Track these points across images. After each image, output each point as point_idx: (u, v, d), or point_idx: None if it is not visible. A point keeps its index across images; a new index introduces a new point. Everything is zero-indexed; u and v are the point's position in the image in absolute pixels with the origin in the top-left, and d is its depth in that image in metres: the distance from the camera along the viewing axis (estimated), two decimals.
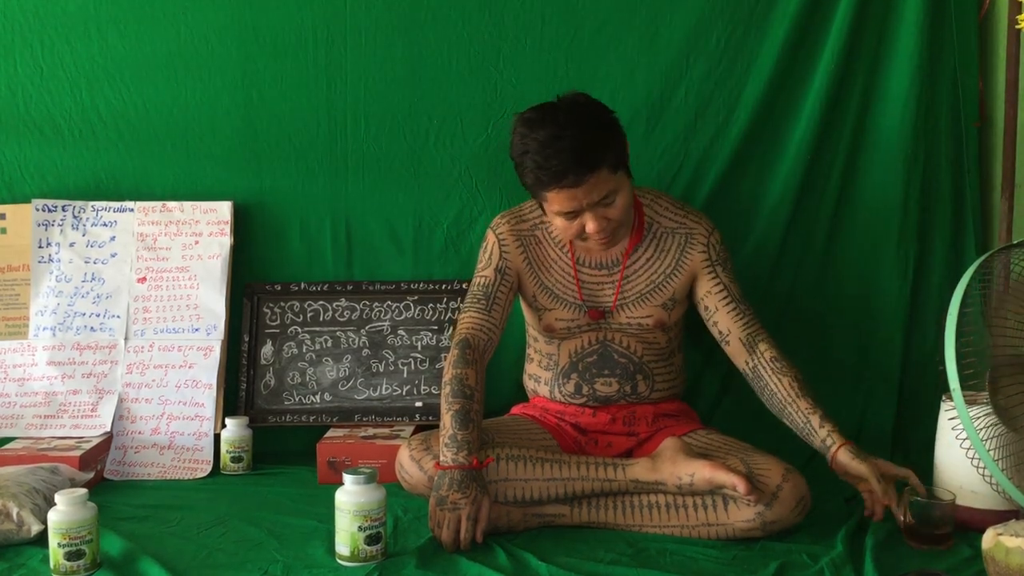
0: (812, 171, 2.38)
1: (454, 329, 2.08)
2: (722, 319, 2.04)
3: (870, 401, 2.41)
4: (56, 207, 2.44)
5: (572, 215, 1.92)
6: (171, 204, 2.46)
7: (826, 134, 2.37)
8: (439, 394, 2.39)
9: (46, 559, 1.70)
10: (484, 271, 2.09)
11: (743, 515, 1.80)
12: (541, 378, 2.13)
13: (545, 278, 2.09)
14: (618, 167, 1.91)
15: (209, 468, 2.30)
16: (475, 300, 2.06)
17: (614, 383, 2.06)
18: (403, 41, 2.41)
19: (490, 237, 2.12)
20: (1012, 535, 1.57)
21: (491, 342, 2.04)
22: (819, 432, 1.87)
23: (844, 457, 1.83)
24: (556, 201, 1.90)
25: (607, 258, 2.08)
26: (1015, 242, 1.93)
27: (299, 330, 2.47)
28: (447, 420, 1.87)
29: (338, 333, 2.47)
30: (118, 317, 2.43)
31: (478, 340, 2.01)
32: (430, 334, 2.46)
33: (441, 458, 1.84)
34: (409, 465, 1.92)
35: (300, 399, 2.43)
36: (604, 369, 2.06)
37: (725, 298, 2.04)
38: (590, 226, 1.92)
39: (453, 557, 1.75)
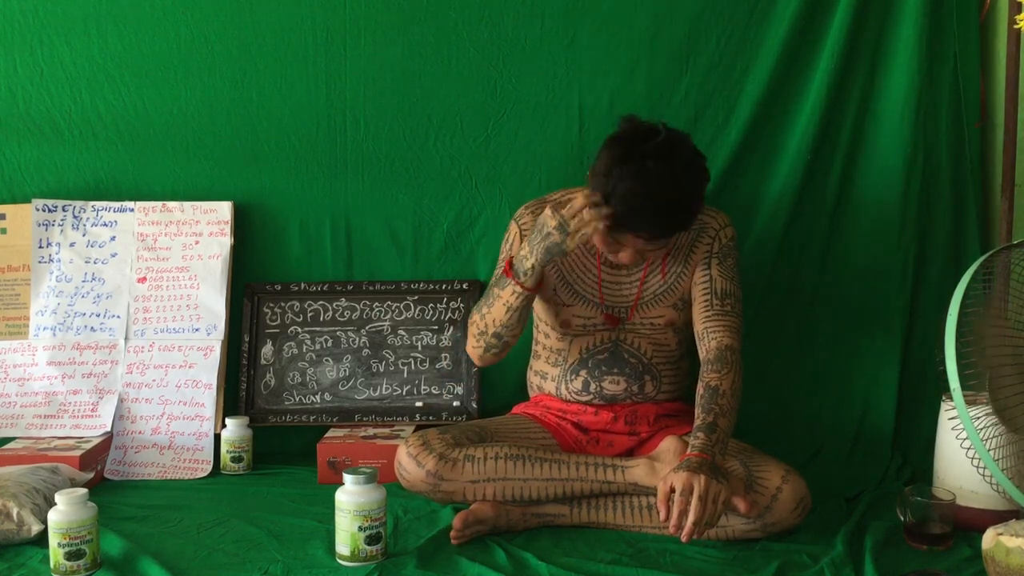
0: (812, 171, 2.38)
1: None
2: (694, 309, 2.04)
3: (870, 401, 2.41)
4: (56, 207, 2.44)
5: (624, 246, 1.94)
6: (171, 204, 2.46)
7: (826, 134, 2.37)
8: (440, 393, 2.40)
9: (46, 559, 1.70)
10: (506, 262, 2.08)
11: (742, 517, 1.80)
12: (548, 374, 2.12)
13: (567, 272, 2.08)
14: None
15: (209, 468, 2.30)
16: None
17: (622, 382, 2.06)
18: (403, 41, 2.41)
19: (512, 228, 2.11)
20: (1012, 535, 1.57)
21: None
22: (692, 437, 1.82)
23: (674, 464, 1.79)
24: (627, 237, 1.91)
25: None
26: (1015, 242, 1.93)
27: (299, 330, 2.47)
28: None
29: (338, 333, 2.47)
30: (118, 317, 2.43)
31: None
32: (430, 334, 2.45)
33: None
34: (407, 463, 1.92)
35: (300, 399, 2.43)
36: (614, 368, 2.06)
37: (704, 290, 2.02)
38: (626, 257, 1.94)
39: (453, 557, 1.75)
